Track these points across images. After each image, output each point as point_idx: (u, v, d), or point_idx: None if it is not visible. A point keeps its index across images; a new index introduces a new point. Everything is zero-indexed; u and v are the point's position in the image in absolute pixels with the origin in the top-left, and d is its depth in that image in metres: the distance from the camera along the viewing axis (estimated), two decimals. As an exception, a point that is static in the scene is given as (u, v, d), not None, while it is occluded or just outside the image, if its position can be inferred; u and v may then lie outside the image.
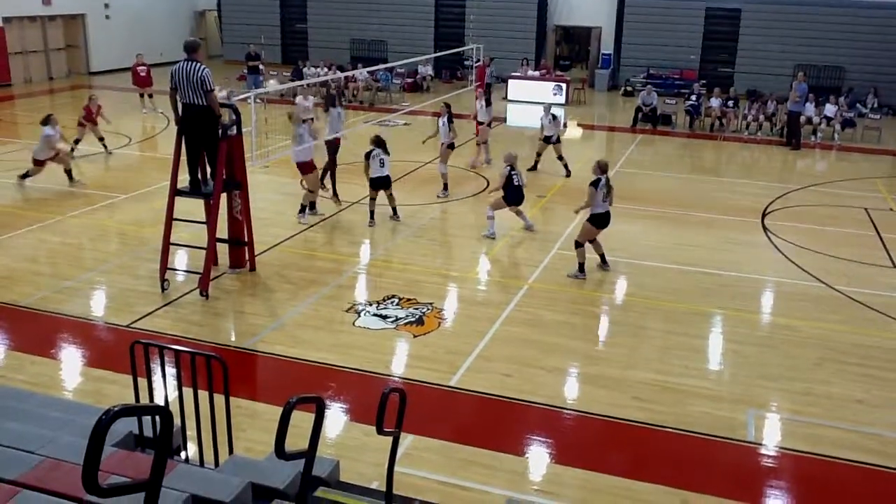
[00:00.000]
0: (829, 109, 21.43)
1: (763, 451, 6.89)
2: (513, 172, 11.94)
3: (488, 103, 17.05)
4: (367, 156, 12.37)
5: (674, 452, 6.91)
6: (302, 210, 12.80)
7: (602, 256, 10.99)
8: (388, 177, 12.54)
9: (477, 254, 11.74)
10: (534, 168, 16.34)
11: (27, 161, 14.46)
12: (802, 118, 20.43)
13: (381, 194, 12.66)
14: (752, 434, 7.13)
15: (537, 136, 16.72)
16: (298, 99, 16.77)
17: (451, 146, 14.69)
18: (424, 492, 5.91)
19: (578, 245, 10.70)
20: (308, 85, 23.73)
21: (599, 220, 10.66)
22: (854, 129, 21.41)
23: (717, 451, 6.88)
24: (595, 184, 10.52)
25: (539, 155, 16.49)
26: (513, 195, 12.06)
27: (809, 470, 6.69)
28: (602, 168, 10.68)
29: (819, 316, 9.72)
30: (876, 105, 23.88)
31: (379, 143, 12.51)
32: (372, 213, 12.71)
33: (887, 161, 19.36)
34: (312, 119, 14.48)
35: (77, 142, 16.68)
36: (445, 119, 14.56)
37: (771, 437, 7.12)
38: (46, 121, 14.25)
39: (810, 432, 7.15)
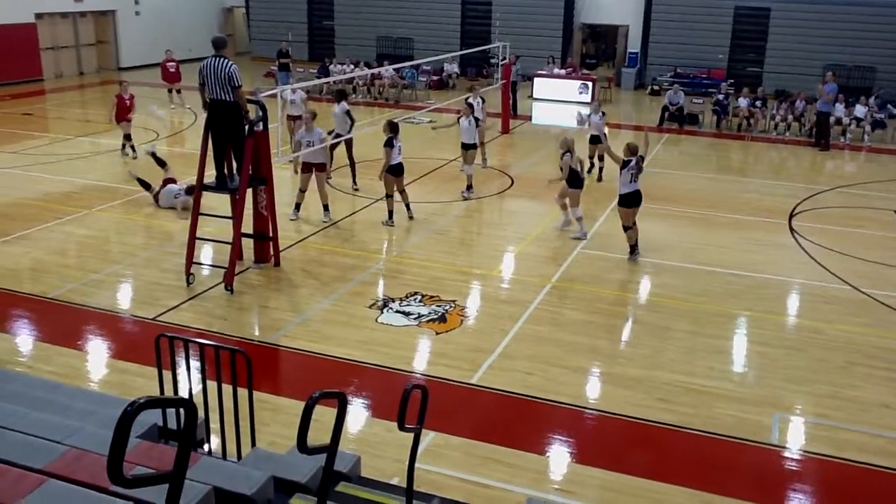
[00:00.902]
0: (860, 110, 21.14)
1: (787, 454, 6.82)
2: (573, 157, 11.99)
3: (482, 100, 16.36)
4: (390, 143, 12.04)
5: (696, 454, 6.86)
6: (326, 209, 12.77)
7: (634, 246, 11.31)
8: (402, 164, 12.43)
9: (500, 252, 11.72)
10: (599, 177, 15.65)
11: (58, 155, 14.66)
12: (832, 119, 20.18)
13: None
14: (777, 437, 7.06)
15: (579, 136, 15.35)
16: (287, 94, 15.46)
17: (469, 146, 14.38)
18: (445, 488, 5.92)
19: (627, 228, 11.19)
20: (334, 82, 23.84)
21: (629, 201, 11.02)
22: (884, 130, 21.11)
23: (740, 454, 6.82)
24: (625, 164, 10.92)
25: (593, 159, 15.77)
26: (575, 180, 12.10)
27: (834, 474, 6.61)
28: (632, 150, 11.02)
29: (846, 319, 9.60)
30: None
31: (396, 128, 12.28)
32: (391, 212, 12.59)
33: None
34: (303, 116, 14.24)
35: (128, 137, 16.21)
36: (472, 118, 14.46)
37: (795, 441, 7.04)
38: (172, 181, 13.13)
39: (835, 436, 7.07)
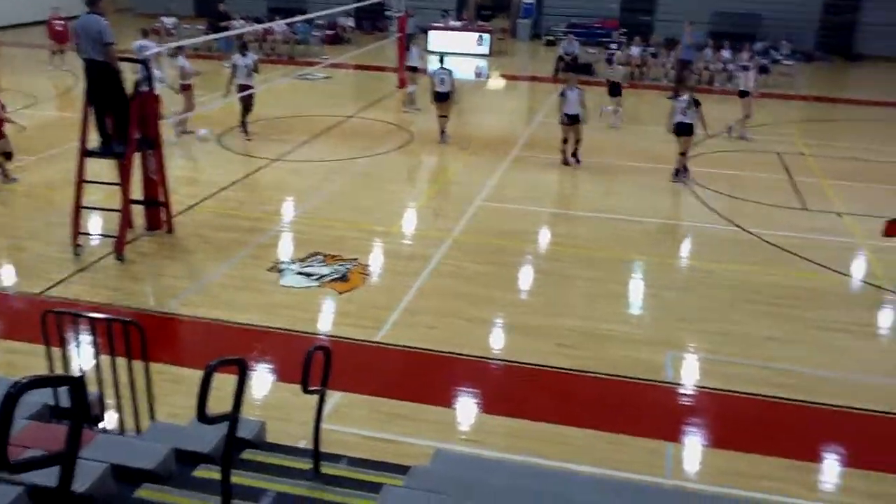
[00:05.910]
0: (744, 56, 21.88)
1: (681, 390, 7.14)
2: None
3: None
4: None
5: (598, 396, 7.10)
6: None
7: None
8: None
9: (401, 207, 11.69)
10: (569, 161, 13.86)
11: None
12: (699, 66, 20.91)
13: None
14: (671, 374, 7.38)
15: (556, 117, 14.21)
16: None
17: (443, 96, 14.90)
18: (353, 447, 5.93)
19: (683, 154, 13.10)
20: (216, 40, 22.94)
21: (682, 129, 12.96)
22: (768, 75, 21.92)
23: (638, 393, 7.10)
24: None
25: (567, 142, 13.85)
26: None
27: (724, 406, 6.96)
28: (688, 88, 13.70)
29: (734, 258, 10.05)
30: (789, 52, 24.50)
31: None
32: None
33: (799, 106, 19.96)
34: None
35: None
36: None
37: (688, 377, 7.38)
38: None
39: (725, 370, 7.44)
